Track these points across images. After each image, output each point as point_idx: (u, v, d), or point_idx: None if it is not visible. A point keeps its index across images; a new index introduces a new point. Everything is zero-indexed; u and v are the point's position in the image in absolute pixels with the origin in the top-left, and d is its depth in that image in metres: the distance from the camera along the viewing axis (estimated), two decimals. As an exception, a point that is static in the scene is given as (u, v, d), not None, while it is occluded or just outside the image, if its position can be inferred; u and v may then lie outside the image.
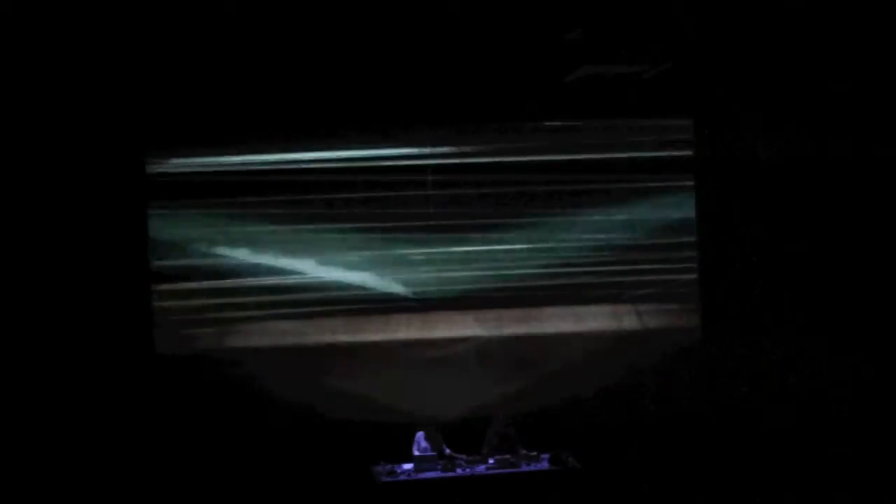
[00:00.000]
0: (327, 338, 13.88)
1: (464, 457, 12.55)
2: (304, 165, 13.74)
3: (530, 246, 14.02)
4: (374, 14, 12.52)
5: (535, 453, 12.50)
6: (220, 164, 13.62)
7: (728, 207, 13.94)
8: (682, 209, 14.15)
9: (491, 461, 12.46)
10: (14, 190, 12.98)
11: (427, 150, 13.87)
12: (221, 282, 13.66)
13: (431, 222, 13.90)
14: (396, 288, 13.88)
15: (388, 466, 12.35)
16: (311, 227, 13.75)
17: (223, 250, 13.69)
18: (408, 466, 12.34)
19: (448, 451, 12.60)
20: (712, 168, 13.95)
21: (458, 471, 12.25)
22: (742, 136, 13.78)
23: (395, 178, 13.85)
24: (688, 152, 14.11)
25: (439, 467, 12.26)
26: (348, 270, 13.83)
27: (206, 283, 13.62)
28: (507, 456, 12.47)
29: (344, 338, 13.90)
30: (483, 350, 13.99)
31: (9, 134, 12.93)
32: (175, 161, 13.55)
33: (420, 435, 12.72)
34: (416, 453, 12.55)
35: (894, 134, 13.69)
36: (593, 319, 14.19)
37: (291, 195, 13.68)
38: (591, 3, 12.66)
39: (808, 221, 13.88)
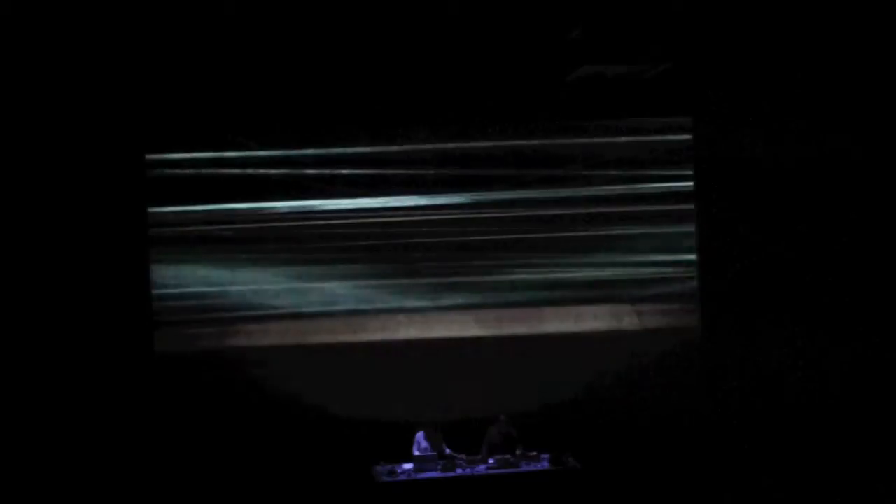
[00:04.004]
0: (327, 338, 13.89)
1: (464, 457, 12.55)
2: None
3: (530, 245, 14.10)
4: (372, 19, 12.58)
5: (535, 453, 12.51)
6: (220, 160, 13.72)
7: (728, 207, 13.94)
8: (681, 208, 14.15)
9: (491, 461, 12.47)
10: (15, 191, 13.00)
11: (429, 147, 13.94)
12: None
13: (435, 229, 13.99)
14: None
15: (388, 466, 12.36)
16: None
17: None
18: (408, 466, 12.35)
19: (448, 451, 12.60)
20: (712, 168, 13.95)
21: (458, 471, 12.25)
22: (742, 136, 13.79)
23: (397, 175, 13.94)
24: (688, 152, 14.12)
25: (439, 467, 12.26)
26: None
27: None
28: (507, 456, 12.48)
29: (344, 338, 13.92)
30: (483, 350, 14.00)
31: (10, 136, 12.95)
32: (175, 157, 13.64)
33: (420, 435, 12.72)
34: (416, 453, 12.55)
35: (893, 134, 13.70)
36: (593, 319, 14.20)
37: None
38: (591, 3, 12.68)
39: (808, 221, 13.88)
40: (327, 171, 13.80)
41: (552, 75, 13.52)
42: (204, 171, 13.65)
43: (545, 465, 12.39)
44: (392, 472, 12.24)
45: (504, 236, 14.02)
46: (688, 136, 14.12)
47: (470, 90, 13.51)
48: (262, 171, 13.73)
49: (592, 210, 14.09)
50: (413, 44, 12.96)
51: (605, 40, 13.15)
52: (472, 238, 13.98)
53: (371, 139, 13.82)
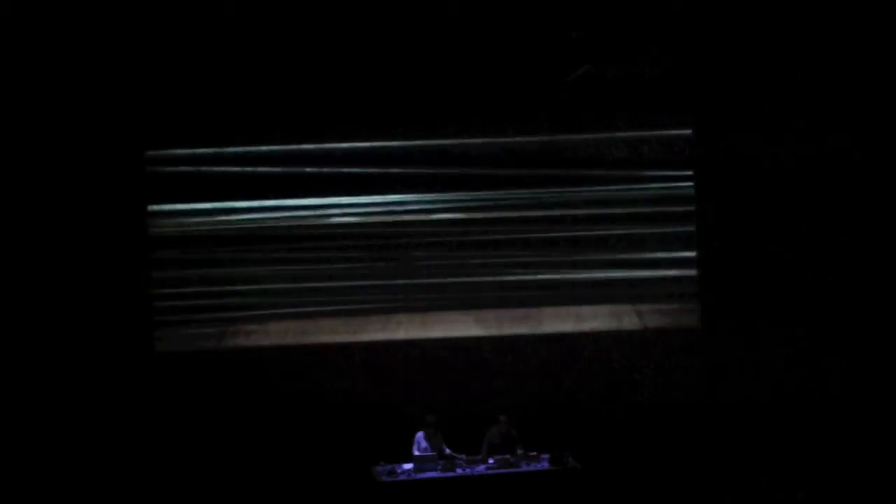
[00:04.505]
0: (327, 338, 13.89)
1: (464, 457, 12.56)
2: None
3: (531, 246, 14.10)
4: (373, 18, 12.59)
5: (535, 453, 12.51)
6: (219, 156, 13.72)
7: (728, 207, 13.94)
8: (681, 209, 14.16)
9: (491, 461, 12.47)
10: (15, 190, 12.99)
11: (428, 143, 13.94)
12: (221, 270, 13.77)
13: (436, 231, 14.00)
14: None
15: (388, 466, 12.36)
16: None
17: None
18: (408, 466, 12.35)
19: (448, 451, 12.61)
20: (712, 168, 13.95)
21: (458, 471, 12.25)
22: (742, 136, 13.78)
23: (398, 174, 13.95)
24: (688, 152, 14.12)
25: (439, 467, 12.26)
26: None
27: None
28: (507, 456, 12.48)
29: (344, 338, 13.92)
30: (483, 350, 14.00)
31: (10, 135, 12.94)
32: (175, 154, 13.65)
33: (420, 435, 12.72)
34: (416, 453, 12.55)
35: (893, 134, 13.70)
36: (593, 319, 14.20)
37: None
38: (591, 3, 12.70)
39: (808, 221, 13.88)
40: (326, 170, 13.80)
41: (552, 75, 13.52)
42: (203, 168, 13.65)
43: (545, 465, 12.39)
44: (392, 472, 12.24)
45: (504, 236, 14.02)
46: (688, 136, 14.11)
47: (470, 90, 13.50)
48: (260, 168, 13.73)
49: (593, 211, 14.08)
50: (413, 44, 12.97)
51: (605, 40, 13.16)
52: (472, 238, 13.98)
53: (371, 138, 13.81)
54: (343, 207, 13.84)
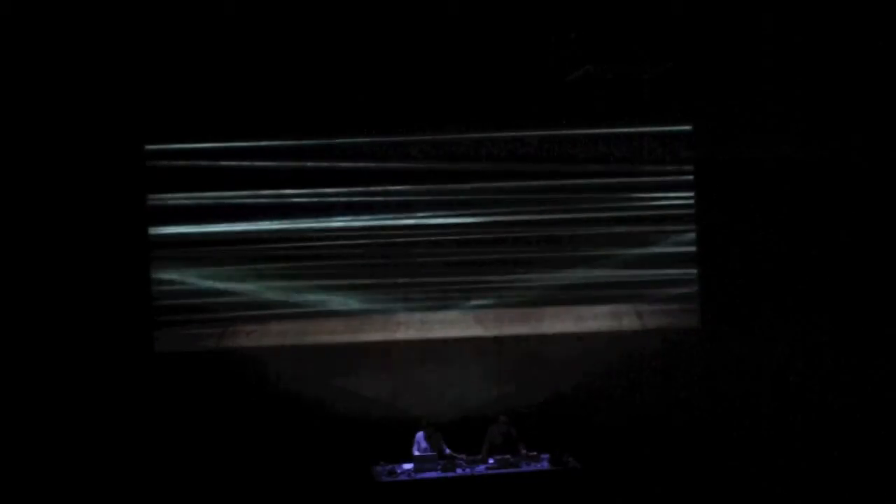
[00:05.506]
0: (327, 338, 13.89)
1: (464, 457, 12.56)
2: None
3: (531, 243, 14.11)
4: (373, 17, 12.59)
5: (535, 453, 12.52)
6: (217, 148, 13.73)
7: (728, 207, 13.95)
8: (681, 209, 14.16)
9: (491, 461, 12.47)
10: (13, 187, 12.99)
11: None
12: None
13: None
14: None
15: (388, 466, 12.36)
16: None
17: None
18: (408, 466, 12.35)
19: (448, 451, 12.61)
20: (712, 168, 13.96)
21: (458, 471, 12.26)
22: (742, 137, 13.79)
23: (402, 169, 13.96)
24: (688, 152, 14.12)
25: (439, 467, 12.26)
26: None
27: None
28: (507, 456, 12.49)
29: (344, 338, 13.91)
30: (483, 350, 14.01)
31: (8, 131, 12.94)
32: (174, 148, 13.64)
33: (420, 435, 12.72)
34: (416, 453, 12.55)
35: (892, 134, 13.72)
36: (593, 319, 14.20)
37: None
38: (591, 3, 12.70)
39: (808, 221, 13.89)
40: (326, 164, 13.80)
41: (552, 75, 13.52)
42: (203, 163, 13.65)
43: (545, 465, 12.39)
44: (392, 472, 12.24)
45: (504, 235, 14.02)
46: (688, 137, 14.12)
47: (471, 88, 13.50)
48: (258, 163, 13.71)
49: (592, 210, 14.09)
50: (414, 40, 12.98)
51: (604, 40, 13.16)
52: (471, 237, 13.98)
53: (372, 134, 13.81)
54: (343, 207, 13.84)
